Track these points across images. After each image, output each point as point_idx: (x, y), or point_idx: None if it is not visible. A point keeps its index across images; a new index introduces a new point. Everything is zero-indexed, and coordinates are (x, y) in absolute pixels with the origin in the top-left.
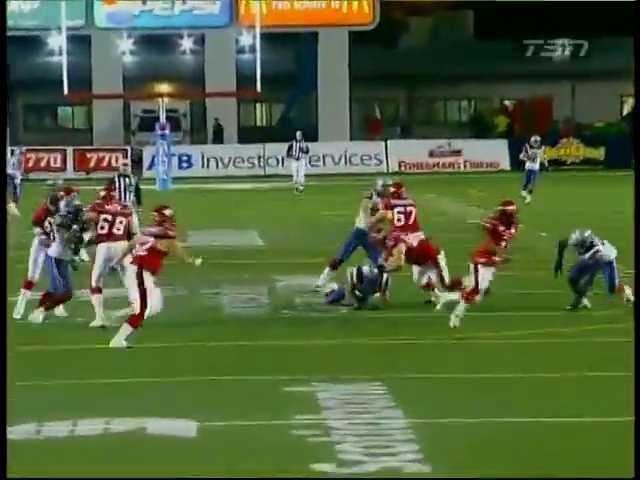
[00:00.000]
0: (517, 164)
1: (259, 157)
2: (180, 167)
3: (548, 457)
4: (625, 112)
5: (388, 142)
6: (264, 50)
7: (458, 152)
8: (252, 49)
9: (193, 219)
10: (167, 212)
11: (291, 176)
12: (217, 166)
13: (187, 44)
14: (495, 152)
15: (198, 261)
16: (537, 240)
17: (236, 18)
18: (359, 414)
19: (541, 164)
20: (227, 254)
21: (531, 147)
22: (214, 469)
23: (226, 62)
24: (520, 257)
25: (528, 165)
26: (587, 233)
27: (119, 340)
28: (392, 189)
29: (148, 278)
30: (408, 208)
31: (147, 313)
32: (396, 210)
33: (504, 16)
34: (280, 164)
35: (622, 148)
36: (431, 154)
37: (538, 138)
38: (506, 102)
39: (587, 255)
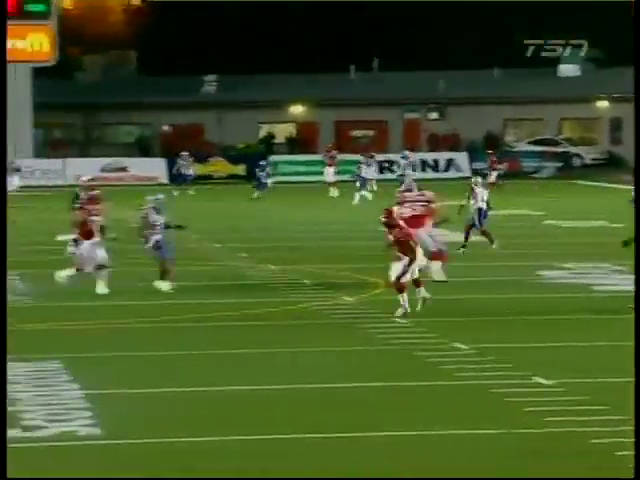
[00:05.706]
0: (173, 177)
1: None
2: None
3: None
4: (260, 136)
5: (67, 160)
6: None
7: (124, 169)
8: None
9: None
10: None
11: None
12: None
13: None
14: (155, 168)
15: None
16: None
17: None
18: (41, 387)
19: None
20: None
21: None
22: None
23: None
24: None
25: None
26: None
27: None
28: None
29: None
30: None
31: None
32: None
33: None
34: None
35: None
36: (102, 169)
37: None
38: (164, 127)
39: None
